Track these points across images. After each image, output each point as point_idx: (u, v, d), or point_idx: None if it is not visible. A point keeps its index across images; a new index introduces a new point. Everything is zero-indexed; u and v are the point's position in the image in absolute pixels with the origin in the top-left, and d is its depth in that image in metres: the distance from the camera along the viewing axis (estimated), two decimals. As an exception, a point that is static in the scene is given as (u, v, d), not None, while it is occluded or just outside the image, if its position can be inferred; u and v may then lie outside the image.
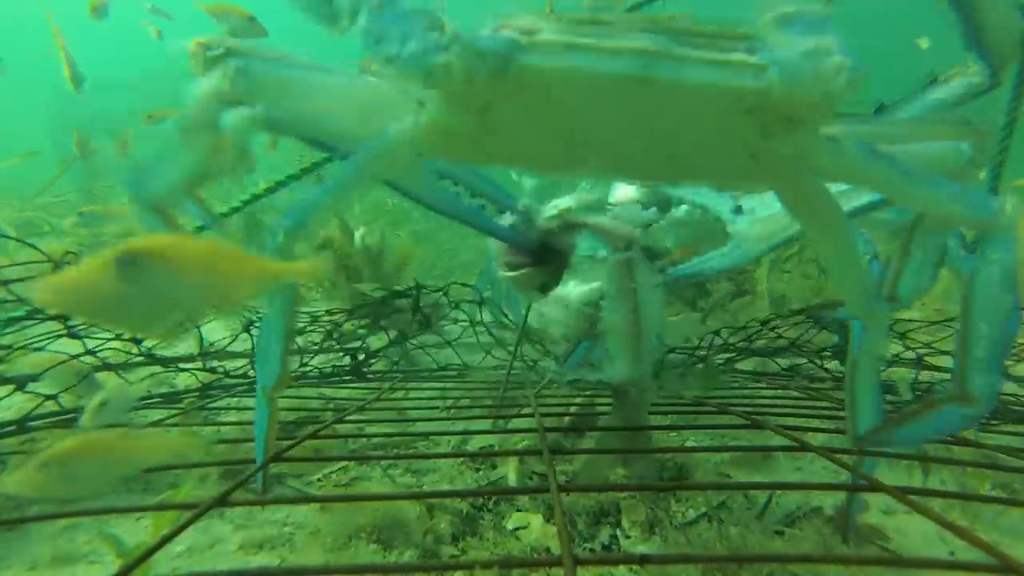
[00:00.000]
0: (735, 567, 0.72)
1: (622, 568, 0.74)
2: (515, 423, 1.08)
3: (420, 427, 1.08)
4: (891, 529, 0.90)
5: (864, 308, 0.69)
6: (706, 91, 0.51)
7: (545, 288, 1.00)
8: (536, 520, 0.84)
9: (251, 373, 1.39)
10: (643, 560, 0.51)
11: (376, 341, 1.71)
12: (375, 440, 1.14)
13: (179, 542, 0.85)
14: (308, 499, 0.95)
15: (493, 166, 0.75)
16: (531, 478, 0.99)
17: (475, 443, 1.12)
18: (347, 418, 1.02)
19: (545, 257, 0.97)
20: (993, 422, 1.11)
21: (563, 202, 1.07)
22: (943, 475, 1.07)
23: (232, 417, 1.12)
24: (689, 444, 1.16)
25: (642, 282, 0.81)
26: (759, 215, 1.06)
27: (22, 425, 1.00)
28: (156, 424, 1.03)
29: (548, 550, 0.78)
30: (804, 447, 0.77)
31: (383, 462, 1.06)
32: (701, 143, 0.58)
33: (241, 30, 2.02)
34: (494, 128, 0.56)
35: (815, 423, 1.00)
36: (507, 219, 0.95)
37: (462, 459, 1.04)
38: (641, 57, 0.49)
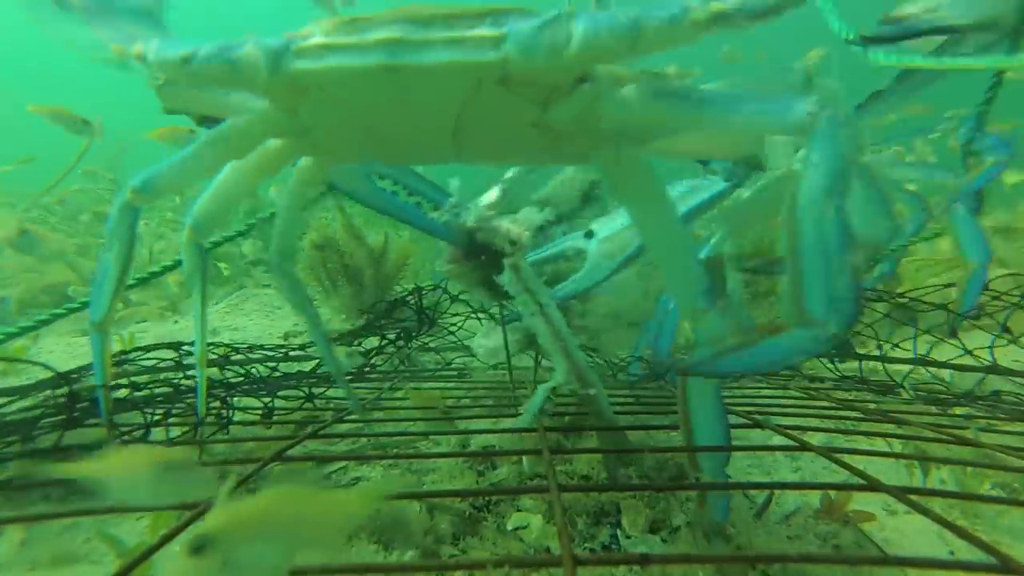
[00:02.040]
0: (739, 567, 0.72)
1: (622, 568, 0.74)
2: (516, 423, 1.08)
3: (421, 427, 1.08)
4: (891, 529, 0.90)
5: (690, 308, 0.65)
6: (448, 68, 0.54)
7: (487, 283, 1.01)
8: (536, 520, 0.84)
9: (252, 372, 1.39)
10: (643, 560, 0.51)
11: (375, 340, 1.71)
12: (374, 440, 1.14)
13: (179, 542, 0.85)
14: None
15: (329, 159, 0.82)
16: (531, 478, 0.99)
17: (476, 443, 1.12)
18: (347, 418, 1.02)
19: (479, 253, 0.98)
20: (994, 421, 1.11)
21: (485, 199, 1.10)
22: (943, 475, 1.07)
23: (234, 416, 1.12)
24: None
25: (530, 282, 0.81)
26: (601, 235, 1.11)
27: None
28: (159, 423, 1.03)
29: (548, 550, 0.78)
30: (804, 447, 0.77)
31: (384, 462, 1.06)
32: (488, 121, 0.60)
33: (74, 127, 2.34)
34: (307, 125, 0.63)
35: (815, 423, 1.01)
36: (442, 217, 0.97)
37: (463, 459, 1.04)
38: (385, 47, 0.53)
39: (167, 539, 0.53)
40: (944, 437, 0.84)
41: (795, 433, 0.83)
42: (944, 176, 1.56)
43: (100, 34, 0.64)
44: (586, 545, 0.81)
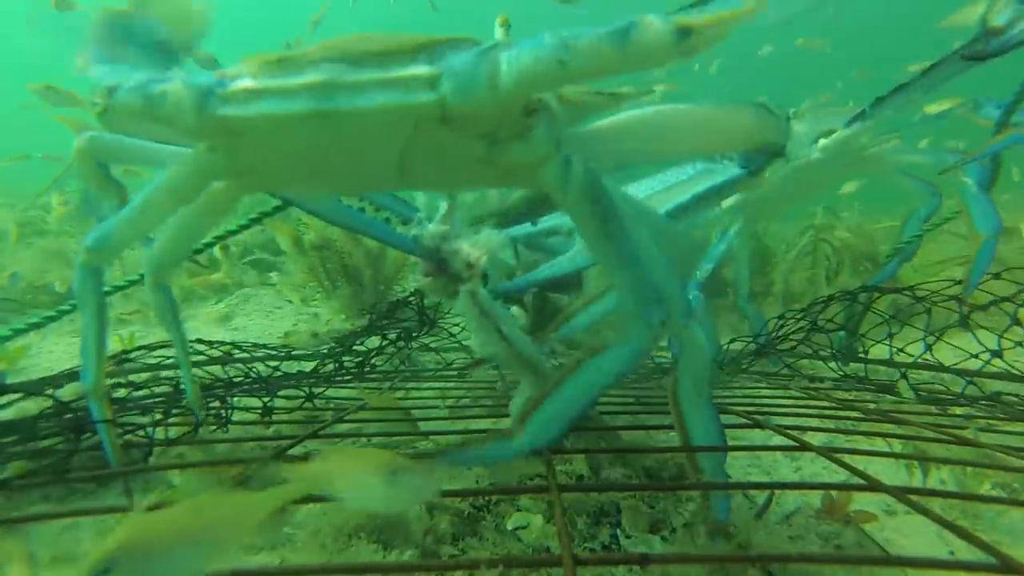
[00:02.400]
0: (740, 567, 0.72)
1: (622, 568, 0.74)
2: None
3: (421, 427, 1.08)
4: (891, 529, 0.90)
5: (639, 327, 0.62)
6: (382, 112, 0.51)
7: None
8: (537, 520, 0.84)
9: (253, 372, 1.39)
10: (643, 560, 0.51)
11: (375, 340, 1.71)
12: (375, 440, 1.14)
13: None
14: (308, 499, 0.95)
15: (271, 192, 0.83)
16: (531, 478, 0.99)
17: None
18: (347, 418, 1.02)
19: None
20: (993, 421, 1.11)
21: (436, 217, 1.09)
22: (943, 475, 1.07)
23: (234, 416, 1.12)
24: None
25: (487, 307, 0.80)
26: None
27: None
28: (158, 424, 1.03)
29: (548, 550, 0.78)
30: (804, 447, 0.77)
31: None
32: (432, 157, 0.58)
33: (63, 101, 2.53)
34: (246, 166, 0.60)
35: (815, 423, 1.01)
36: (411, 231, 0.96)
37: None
38: (314, 91, 0.50)
39: None
40: (944, 437, 0.84)
41: (795, 433, 0.83)
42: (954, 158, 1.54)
43: (89, 65, 0.60)
44: (586, 545, 0.81)
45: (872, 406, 1.13)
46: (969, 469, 0.99)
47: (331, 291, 2.31)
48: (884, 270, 1.85)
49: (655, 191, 1.11)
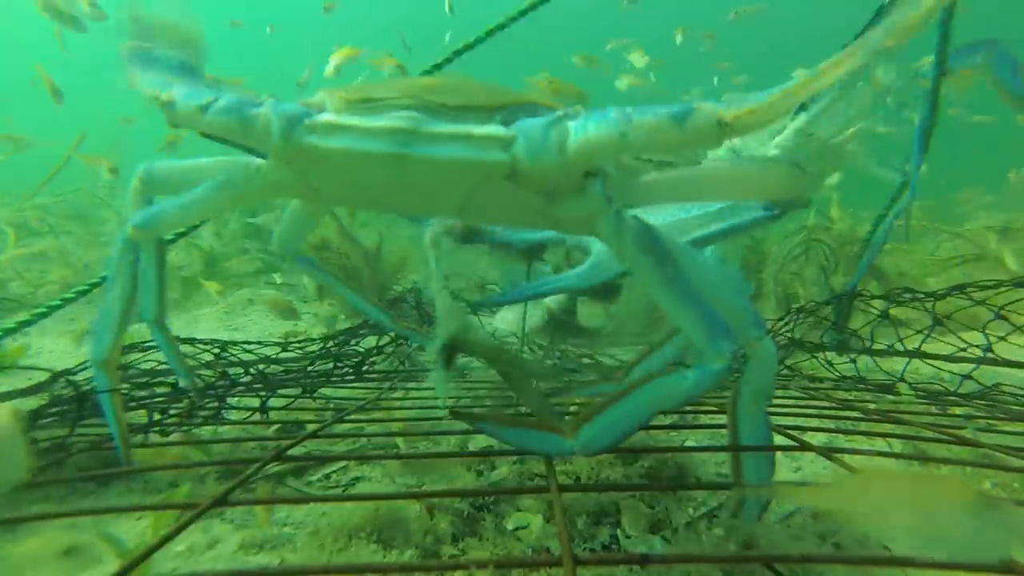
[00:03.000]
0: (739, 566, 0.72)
1: (622, 568, 0.74)
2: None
3: (423, 427, 1.08)
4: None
5: (745, 341, 0.66)
6: (455, 163, 0.55)
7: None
8: (537, 520, 0.84)
9: (253, 370, 1.39)
10: (643, 560, 0.51)
11: (373, 340, 1.71)
12: (375, 440, 1.14)
13: (179, 542, 0.85)
14: (308, 499, 0.95)
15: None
16: (531, 478, 0.99)
17: (475, 443, 1.12)
18: (347, 418, 1.01)
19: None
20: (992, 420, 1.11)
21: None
22: (943, 474, 1.07)
23: (232, 416, 1.12)
24: (689, 443, 1.16)
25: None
26: None
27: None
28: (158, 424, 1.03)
29: (548, 550, 0.78)
30: (804, 447, 0.77)
31: (384, 461, 1.06)
32: (493, 203, 0.63)
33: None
34: (313, 185, 0.66)
35: (815, 423, 1.00)
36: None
37: (462, 459, 1.04)
38: (394, 136, 0.55)
39: (167, 539, 0.53)
40: (944, 437, 0.84)
41: (795, 433, 0.83)
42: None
43: (137, 79, 0.67)
44: (586, 545, 0.81)
45: (872, 406, 1.13)
46: (968, 469, 0.99)
47: (330, 291, 2.31)
48: (860, 268, 1.85)
49: (677, 218, 1.09)
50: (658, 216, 1.12)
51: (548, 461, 0.69)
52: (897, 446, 1.05)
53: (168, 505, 0.81)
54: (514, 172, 0.56)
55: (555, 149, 0.54)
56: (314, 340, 1.80)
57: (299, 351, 1.68)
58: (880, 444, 1.09)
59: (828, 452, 0.75)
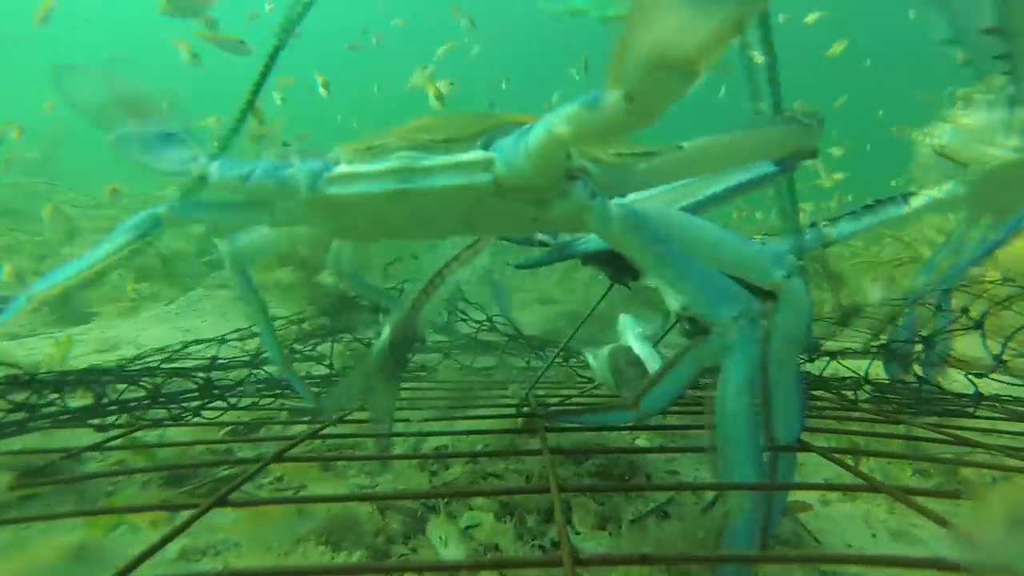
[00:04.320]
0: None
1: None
2: (511, 423, 1.08)
3: (424, 427, 1.06)
4: (824, 518, 0.94)
5: (770, 282, 0.68)
6: (449, 190, 0.64)
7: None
8: (488, 519, 0.85)
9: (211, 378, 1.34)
10: (643, 560, 0.51)
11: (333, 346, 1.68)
12: (330, 442, 1.12)
13: (117, 552, 0.82)
14: (308, 499, 0.92)
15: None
16: (484, 477, 1.00)
17: (429, 444, 1.12)
18: (347, 418, 0.99)
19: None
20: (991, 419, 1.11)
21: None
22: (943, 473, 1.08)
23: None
24: (685, 443, 1.16)
25: None
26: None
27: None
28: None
29: (497, 547, 0.79)
30: (804, 447, 0.77)
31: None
32: (492, 218, 0.71)
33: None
34: (337, 224, 0.76)
35: (815, 423, 1.00)
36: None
37: (421, 460, 1.04)
38: (396, 175, 0.65)
39: (166, 540, 0.52)
40: (944, 437, 0.85)
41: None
42: None
43: (162, 160, 0.75)
44: (535, 542, 0.82)
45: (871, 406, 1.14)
46: (967, 469, 0.99)
47: (288, 291, 2.26)
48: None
49: (684, 182, 1.07)
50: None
51: (549, 461, 0.70)
52: (897, 446, 1.05)
53: (168, 506, 0.79)
54: (500, 187, 0.63)
55: (523, 157, 0.61)
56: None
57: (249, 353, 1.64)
58: (874, 444, 1.09)
59: (828, 452, 0.76)
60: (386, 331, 0.86)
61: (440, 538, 0.79)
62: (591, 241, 1.10)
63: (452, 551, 0.77)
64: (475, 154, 0.64)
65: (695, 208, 0.94)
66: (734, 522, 0.67)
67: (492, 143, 0.64)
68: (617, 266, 1.08)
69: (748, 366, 0.63)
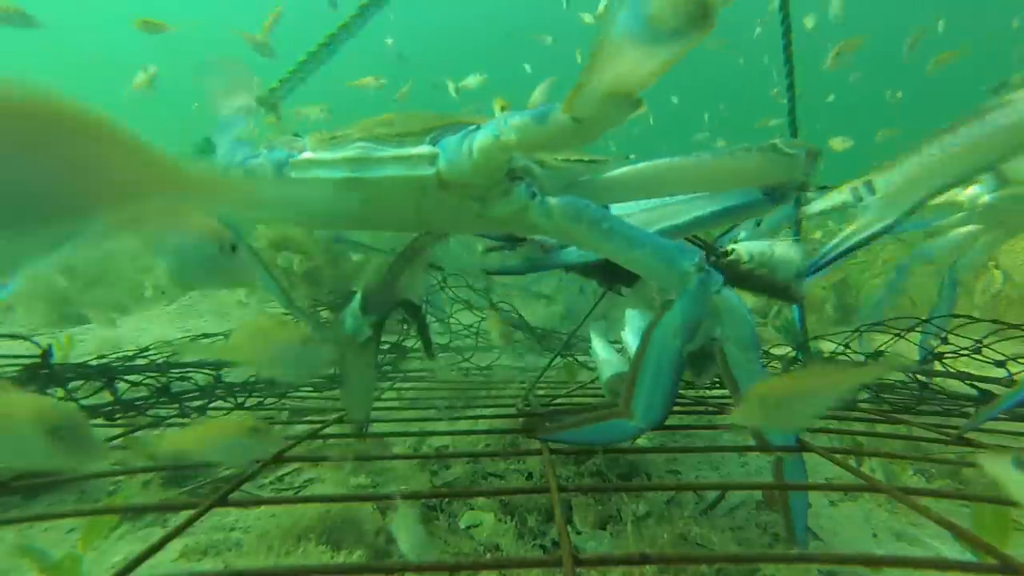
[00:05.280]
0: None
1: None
2: (508, 424, 1.08)
3: (421, 427, 1.06)
4: (825, 518, 0.94)
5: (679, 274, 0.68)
6: (395, 181, 0.68)
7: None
8: (489, 518, 0.85)
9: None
10: (643, 560, 0.51)
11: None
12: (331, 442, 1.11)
13: (117, 552, 0.82)
14: (308, 499, 0.92)
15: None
16: (484, 477, 1.00)
17: (431, 443, 1.12)
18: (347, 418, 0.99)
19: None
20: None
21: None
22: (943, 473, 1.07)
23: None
24: (684, 443, 1.17)
25: None
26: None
27: None
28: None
29: (498, 547, 0.79)
30: (805, 448, 0.77)
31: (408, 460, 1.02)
32: (441, 212, 0.74)
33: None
34: (300, 208, 0.78)
35: (816, 423, 1.00)
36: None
37: (418, 460, 1.03)
38: (349, 163, 0.68)
39: (167, 539, 0.53)
40: (943, 437, 0.85)
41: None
42: None
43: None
44: (536, 542, 0.82)
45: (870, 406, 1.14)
46: (968, 469, 0.97)
47: (289, 290, 2.26)
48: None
49: (664, 204, 1.05)
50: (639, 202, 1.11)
51: (549, 461, 0.70)
52: (897, 446, 1.05)
53: (168, 506, 0.79)
54: (442, 182, 0.67)
55: (466, 155, 0.65)
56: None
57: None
58: (875, 444, 1.06)
59: (828, 452, 0.76)
60: (359, 293, 0.89)
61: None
62: (571, 253, 1.11)
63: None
64: (421, 148, 0.67)
65: (674, 231, 0.94)
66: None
67: (439, 140, 0.67)
68: (607, 273, 1.07)
69: (694, 310, 0.66)
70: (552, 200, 0.70)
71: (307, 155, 0.71)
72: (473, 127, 0.66)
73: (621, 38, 0.44)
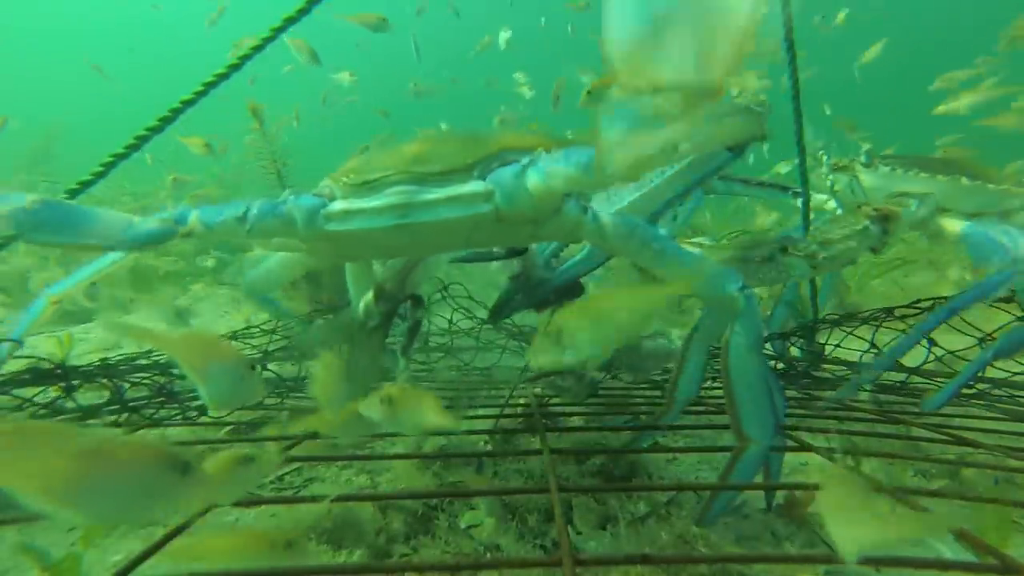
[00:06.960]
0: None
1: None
2: (508, 422, 1.08)
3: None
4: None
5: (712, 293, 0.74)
6: (450, 222, 0.67)
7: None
8: (489, 520, 0.85)
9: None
10: (644, 560, 0.51)
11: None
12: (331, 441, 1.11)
13: (117, 550, 0.82)
14: (308, 499, 0.92)
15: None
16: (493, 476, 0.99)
17: (431, 444, 1.12)
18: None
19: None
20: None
21: None
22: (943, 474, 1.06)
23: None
24: (684, 443, 1.17)
25: None
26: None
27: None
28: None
29: (499, 547, 0.79)
30: (804, 447, 0.77)
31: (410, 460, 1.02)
32: (491, 238, 0.76)
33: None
34: (336, 252, 0.82)
35: (815, 423, 1.00)
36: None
37: (418, 460, 1.03)
38: (396, 210, 0.67)
39: (168, 538, 0.52)
40: (944, 437, 0.85)
41: (795, 433, 0.83)
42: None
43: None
44: (536, 542, 0.82)
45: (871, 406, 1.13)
46: (967, 469, 0.97)
47: (290, 292, 2.26)
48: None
49: (646, 189, 1.06)
50: (624, 192, 1.12)
51: (549, 461, 0.70)
52: (897, 446, 1.03)
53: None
54: (499, 216, 0.67)
55: (523, 193, 0.65)
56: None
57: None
58: (875, 444, 1.07)
59: (828, 452, 0.76)
60: (372, 289, 0.94)
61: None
62: (557, 278, 1.13)
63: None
64: (475, 186, 0.67)
65: (666, 205, 0.98)
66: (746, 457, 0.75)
67: (488, 172, 0.67)
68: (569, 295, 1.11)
69: (756, 328, 0.71)
70: (604, 218, 0.73)
71: (341, 205, 0.68)
72: (525, 161, 0.66)
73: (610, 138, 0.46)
